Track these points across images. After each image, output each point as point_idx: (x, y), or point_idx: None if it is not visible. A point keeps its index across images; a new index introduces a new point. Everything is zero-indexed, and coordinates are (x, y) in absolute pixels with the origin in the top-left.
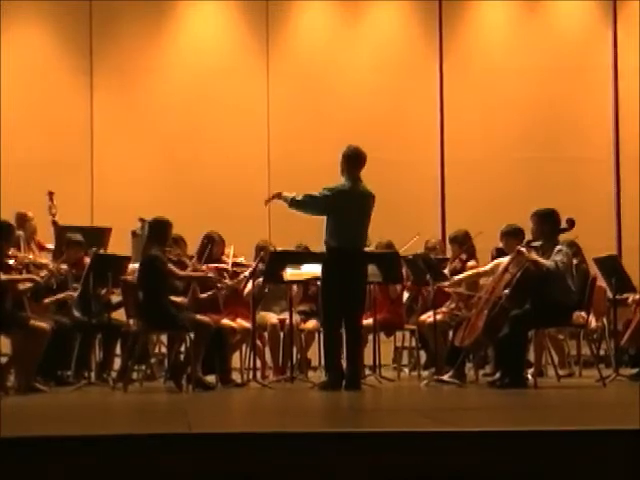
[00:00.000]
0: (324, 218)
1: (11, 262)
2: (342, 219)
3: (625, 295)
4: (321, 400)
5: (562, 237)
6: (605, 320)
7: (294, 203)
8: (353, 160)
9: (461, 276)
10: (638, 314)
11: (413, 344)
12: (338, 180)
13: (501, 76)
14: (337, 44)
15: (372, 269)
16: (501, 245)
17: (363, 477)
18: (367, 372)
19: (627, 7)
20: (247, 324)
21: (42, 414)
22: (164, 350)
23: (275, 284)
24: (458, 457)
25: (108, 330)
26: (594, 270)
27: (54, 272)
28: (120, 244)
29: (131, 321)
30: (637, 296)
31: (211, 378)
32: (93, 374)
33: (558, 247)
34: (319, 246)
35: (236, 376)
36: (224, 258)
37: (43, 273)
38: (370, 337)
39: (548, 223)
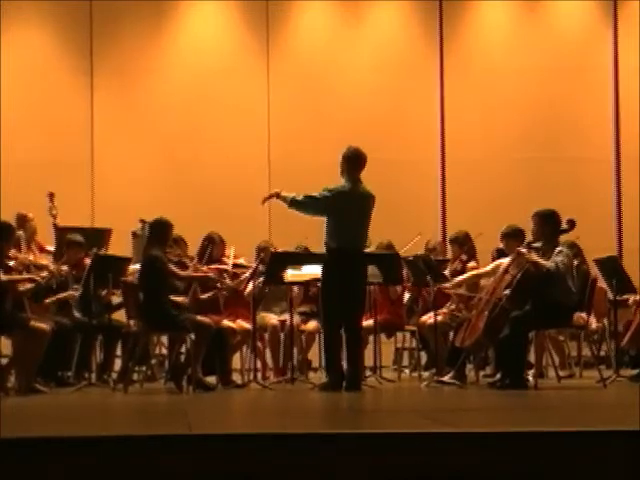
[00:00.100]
0: (324, 219)
1: (11, 263)
2: (342, 220)
3: (625, 296)
4: (321, 401)
5: (563, 238)
6: (606, 321)
7: (294, 203)
8: (353, 161)
9: (462, 277)
10: (638, 315)
11: (414, 345)
12: (338, 180)
13: (501, 76)
14: (337, 44)
15: (372, 270)
16: (501, 246)
17: (363, 478)
18: (368, 373)
19: (627, 7)
20: (247, 325)
21: (42, 415)
22: (165, 351)
23: (276, 285)
24: (458, 458)
25: (109, 331)
26: (594, 271)
27: (55, 273)
28: (120, 245)
29: (132, 322)
30: (637, 297)
31: (211, 379)
32: (93, 375)
33: (558, 248)
34: (319, 247)
35: (236, 377)
36: (224, 259)
37: (44, 274)
38: (371, 338)
39: (549, 224)
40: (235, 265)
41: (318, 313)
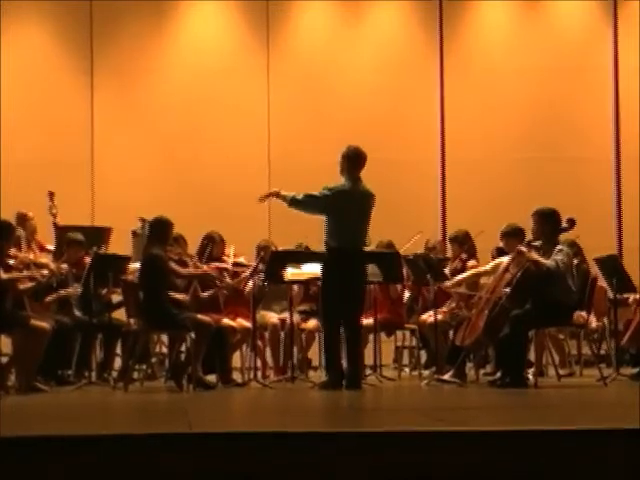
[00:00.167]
0: (324, 218)
1: (12, 262)
2: (342, 219)
3: (625, 295)
4: (322, 400)
5: (563, 237)
6: (606, 320)
7: (294, 202)
8: (353, 160)
9: (462, 276)
10: (638, 314)
11: (414, 344)
12: (338, 180)
13: (501, 76)
14: (337, 44)
15: (373, 269)
16: (501, 245)
17: (363, 477)
18: (368, 372)
19: (627, 7)
20: (247, 324)
21: (43, 413)
22: (165, 350)
23: (276, 284)
24: (458, 456)
25: (109, 330)
26: (595, 270)
27: (55, 272)
28: (120, 244)
29: (132, 321)
30: (637, 296)
31: (212, 378)
32: (94, 374)
33: (558, 247)
34: (319, 246)
35: (237, 376)
36: (224, 258)
37: (44, 272)
38: (371, 337)
39: (549, 223)
40: (235, 264)
41: (318, 312)
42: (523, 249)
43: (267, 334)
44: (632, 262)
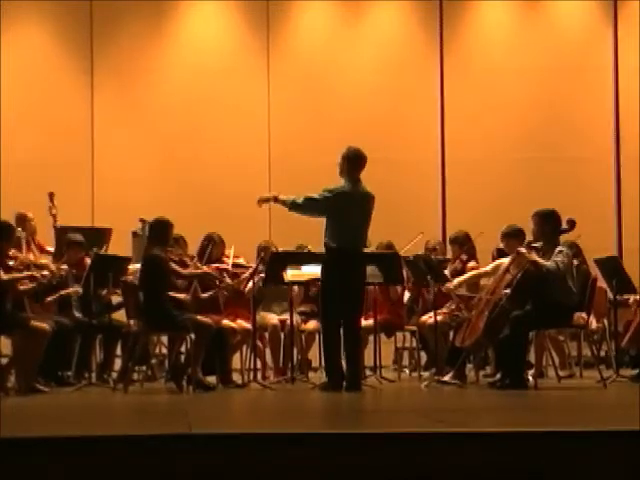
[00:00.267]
0: (324, 219)
1: (11, 263)
2: (342, 220)
3: (626, 296)
4: (322, 401)
5: (563, 238)
6: (606, 321)
7: (294, 206)
8: (353, 161)
9: (463, 277)
10: (638, 315)
11: (414, 345)
12: (338, 180)
13: (501, 76)
14: (337, 44)
15: (373, 270)
16: (502, 246)
17: (364, 478)
18: (368, 373)
19: (627, 7)
20: (248, 325)
21: (42, 415)
22: (165, 351)
23: (276, 285)
24: (458, 458)
25: (109, 331)
26: (595, 271)
27: (55, 272)
28: (120, 245)
29: (132, 322)
30: (638, 297)
31: (211, 379)
32: (94, 375)
33: (559, 248)
34: (319, 247)
35: (236, 377)
36: (224, 259)
37: (44, 272)
38: (371, 338)
39: (549, 223)
40: (235, 265)
41: (318, 313)
42: (523, 250)
43: (267, 335)
44: (632, 263)
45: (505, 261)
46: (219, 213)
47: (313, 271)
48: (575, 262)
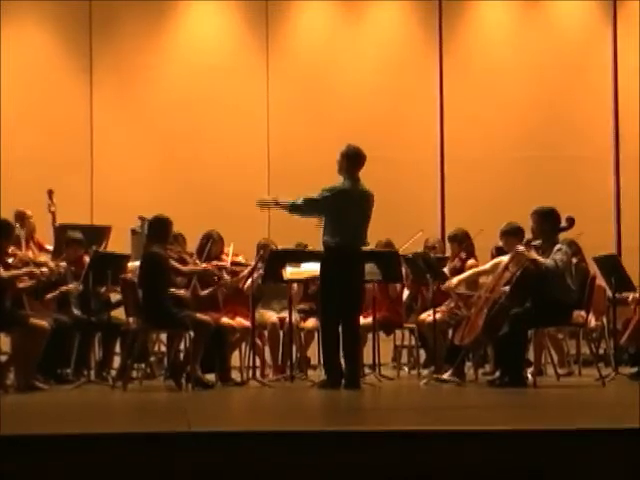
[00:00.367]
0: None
1: (11, 260)
2: (341, 218)
3: (625, 294)
4: (320, 399)
5: (562, 236)
6: (604, 319)
7: (294, 209)
8: (353, 159)
9: (463, 275)
10: (637, 313)
11: (413, 343)
12: (338, 180)
13: (501, 75)
14: (337, 44)
15: (372, 268)
16: (501, 244)
17: (362, 476)
18: (366, 371)
19: (627, 7)
20: (247, 322)
21: (42, 412)
22: (164, 349)
23: (275, 283)
24: (458, 456)
25: (108, 328)
26: (594, 269)
27: (54, 270)
28: (119, 243)
29: (131, 319)
30: (637, 295)
31: (211, 377)
32: (93, 372)
33: (558, 246)
34: (318, 246)
35: (236, 375)
36: (223, 257)
37: (44, 269)
38: (369, 336)
39: (548, 222)
40: (234, 263)
41: (317, 311)
42: (522, 248)
43: (266, 333)
44: (631, 261)
45: (504, 259)
46: (218, 212)
47: (312, 269)
48: (574, 260)
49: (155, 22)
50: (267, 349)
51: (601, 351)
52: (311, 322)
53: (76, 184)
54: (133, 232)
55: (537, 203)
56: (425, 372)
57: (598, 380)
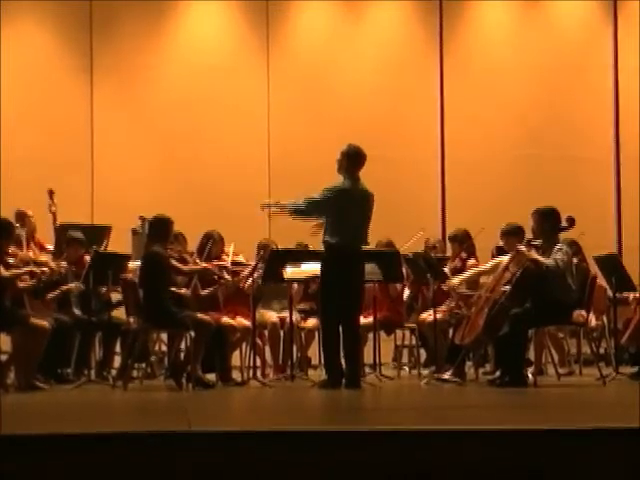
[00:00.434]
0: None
1: (11, 260)
2: (342, 217)
3: (625, 294)
4: (321, 398)
5: (563, 236)
6: (605, 319)
7: (297, 212)
8: (354, 159)
9: (465, 275)
10: (638, 313)
11: (413, 342)
12: (338, 180)
13: (501, 75)
14: (337, 43)
15: (372, 268)
16: (501, 244)
17: (363, 475)
18: (367, 370)
19: (627, 7)
20: (247, 322)
21: (42, 412)
22: (164, 348)
23: (275, 283)
24: (458, 455)
25: (108, 328)
26: (594, 269)
27: (55, 270)
28: (120, 243)
29: (131, 319)
30: (637, 294)
31: (211, 376)
32: (93, 372)
33: (558, 246)
34: (319, 246)
35: (236, 374)
36: (224, 257)
37: (44, 268)
38: (370, 335)
39: (548, 221)
40: (234, 263)
41: (318, 311)
42: (523, 248)
43: (267, 333)
44: (632, 261)
45: (505, 259)
46: (218, 212)
47: (312, 269)
48: (575, 260)
49: (155, 22)
50: (267, 349)
51: (602, 351)
52: (311, 322)
53: (76, 184)
54: (134, 232)
55: (537, 203)
56: (426, 372)
57: (599, 380)
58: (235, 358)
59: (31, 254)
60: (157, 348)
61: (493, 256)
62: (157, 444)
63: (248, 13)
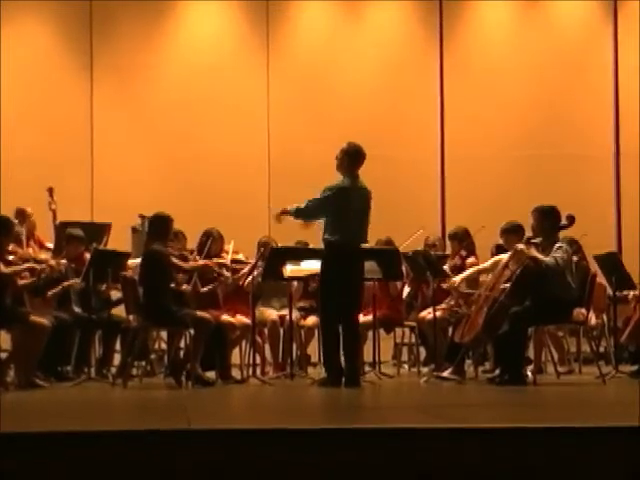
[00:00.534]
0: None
1: (11, 258)
2: (341, 216)
3: (625, 292)
4: (321, 397)
5: (563, 234)
6: (605, 317)
7: (300, 214)
8: (354, 157)
9: (465, 274)
10: (638, 311)
11: (413, 341)
12: (338, 179)
13: (501, 75)
14: (337, 43)
15: (372, 266)
16: (501, 242)
17: (363, 473)
18: (367, 368)
19: (627, 6)
20: (247, 320)
21: (42, 410)
22: (164, 346)
23: (275, 280)
24: (458, 453)
25: (108, 326)
26: (594, 267)
27: (54, 267)
28: (120, 242)
29: (131, 317)
30: (637, 293)
31: (211, 374)
32: (93, 370)
33: (558, 244)
34: (318, 245)
35: (236, 372)
36: (223, 255)
37: (44, 266)
38: (370, 334)
39: (548, 219)
40: (234, 261)
41: (317, 308)
42: (522, 246)
43: (266, 331)
44: (631, 261)
45: (504, 257)
46: (218, 211)
47: (312, 267)
48: (575, 258)
49: (155, 21)
50: (267, 347)
51: (601, 349)
52: (311, 320)
53: (76, 183)
54: (133, 230)
55: (537, 202)
56: (425, 370)
57: (598, 378)
58: (235, 356)
59: (31, 252)
60: (157, 346)
61: (493, 254)
62: (157, 442)
63: (248, 13)
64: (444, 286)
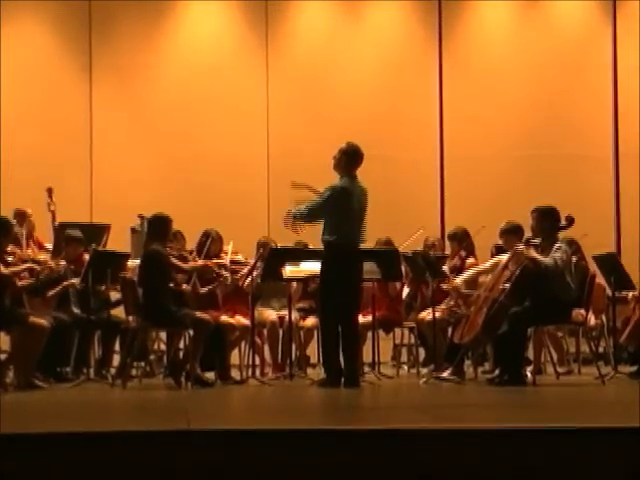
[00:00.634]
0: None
1: (10, 259)
2: (341, 216)
3: (624, 293)
4: (320, 397)
5: (562, 234)
6: (604, 317)
7: (301, 216)
8: (352, 157)
9: (466, 275)
10: (637, 312)
11: (412, 341)
12: (337, 179)
13: (501, 75)
14: (336, 43)
15: (371, 266)
16: (500, 242)
17: (362, 474)
18: (366, 369)
19: (627, 6)
20: (246, 321)
21: (41, 410)
22: (163, 347)
23: (274, 281)
24: (457, 454)
25: (107, 327)
26: (593, 267)
27: (54, 268)
28: (119, 243)
29: (130, 318)
30: (636, 293)
31: (210, 375)
32: (92, 371)
33: (557, 244)
34: (318, 244)
35: (235, 373)
36: (222, 255)
37: (43, 267)
38: (369, 334)
39: (548, 220)
40: (233, 261)
41: (317, 309)
42: (522, 247)
43: (266, 331)
44: (631, 261)
45: (504, 258)
46: (218, 212)
47: (312, 267)
48: (574, 258)
49: (155, 21)
50: (266, 347)
51: (601, 349)
52: (310, 320)
53: (76, 184)
54: (133, 230)
55: (537, 202)
56: (424, 370)
57: (598, 379)
58: (234, 357)
59: (30, 252)
60: (156, 347)
61: (492, 255)
62: (156, 443)
63: (247, 13)
64: (444, 287)
